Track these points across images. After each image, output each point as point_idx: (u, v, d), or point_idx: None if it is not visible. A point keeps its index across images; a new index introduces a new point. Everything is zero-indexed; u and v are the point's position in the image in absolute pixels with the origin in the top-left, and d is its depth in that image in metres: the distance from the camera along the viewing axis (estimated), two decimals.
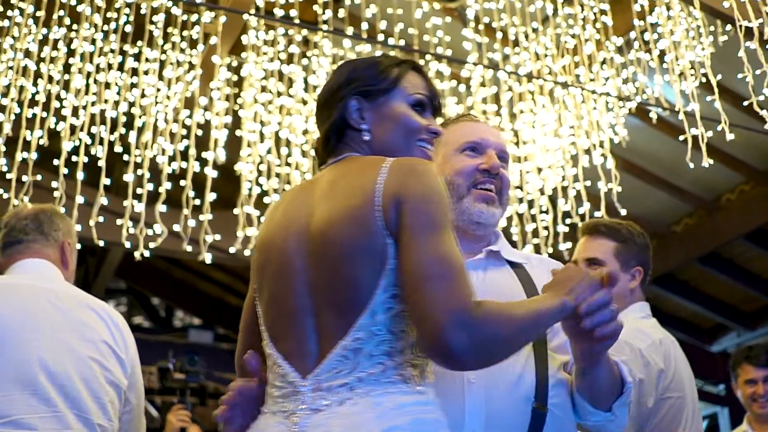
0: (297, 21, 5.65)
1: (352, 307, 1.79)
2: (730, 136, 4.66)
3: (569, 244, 5.70)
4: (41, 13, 5.17)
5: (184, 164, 5.37)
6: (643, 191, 8.29)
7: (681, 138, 4.91)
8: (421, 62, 6.07)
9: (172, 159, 5.39)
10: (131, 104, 5.49)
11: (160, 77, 5.55)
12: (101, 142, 5.16)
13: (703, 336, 10.33)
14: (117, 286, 11.46)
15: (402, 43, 6.09)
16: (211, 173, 5.26)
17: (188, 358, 4.80)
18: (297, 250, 1.89)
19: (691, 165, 4.80)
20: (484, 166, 2.36)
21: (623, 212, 5.52)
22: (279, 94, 5.92)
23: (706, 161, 4.64)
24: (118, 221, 5.01)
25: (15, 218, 3.10)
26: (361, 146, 2.02)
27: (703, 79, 5.28)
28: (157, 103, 5.49)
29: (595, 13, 5.73)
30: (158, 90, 5.52)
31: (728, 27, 5.56)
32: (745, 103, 4.70)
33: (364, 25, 5.92)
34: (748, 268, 9.20)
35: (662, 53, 5.59)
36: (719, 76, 4.85)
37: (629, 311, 3.45)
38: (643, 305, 3.52)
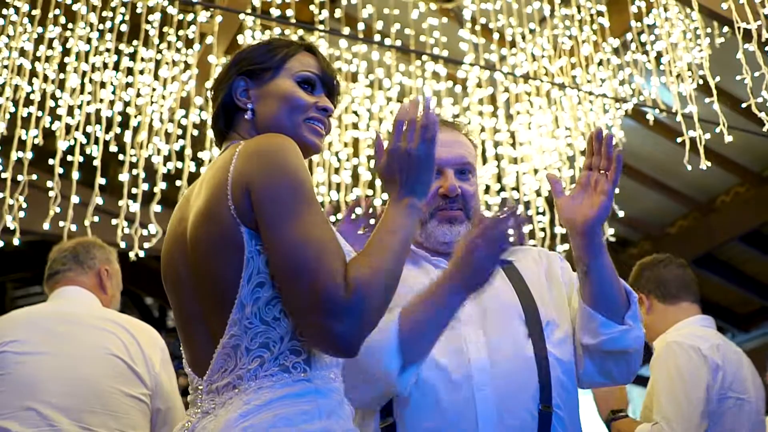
0: (293, 21, 5.63)
1: (224, 304, 1.75)
2: (728, 139, 4.64)
3: (566, 246, 5.68)
4: (36, 12, 5.15)
5: (179, 164, 5.35)
6: (637, 192, 8.30)
7: (679, 140, 4.89)
8: (418, 63, 6.07)
9: (167, 159, 5.37)
10: (126, 104, 5.45)
11: (156, 77, 5.52)
12: (96, 142, 5.14)
13: None
14: None
15: (398, 43, 6.07)
16: None
17: (178, 342, 4.47)
18: (180, 258, 1.88)
19: (689, 167, 4.78)
20: (443, 191, 2.35)
21: (621, 214, 5.52)
22: None
23: (704, 164, 4.63)
24: (113, 221, 4.98)
25: (57, 252, 3.43)
26: (248, 130, 1.97)
27: (700, 81, 5.28)
28: (152, 102, 5.47)
29: (591, 15, 5.72)
30: (154, 89, 5.49)
31: (725, 29, 5.55)
32: (743, 105, 4.68)
33: (361, 26, 5.89)
34: (742, 270, 9.21)
35: (659, 55, 5.59)
36: (717, 78, 4.83)
37: (690, 322, 3.58)
38: (704, 318, 3.66)
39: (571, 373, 2.30)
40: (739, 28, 4.42)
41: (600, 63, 5.84)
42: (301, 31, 5.97)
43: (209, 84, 5.64)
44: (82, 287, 3.33)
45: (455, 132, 2.46)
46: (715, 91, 4.73)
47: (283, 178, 1.74)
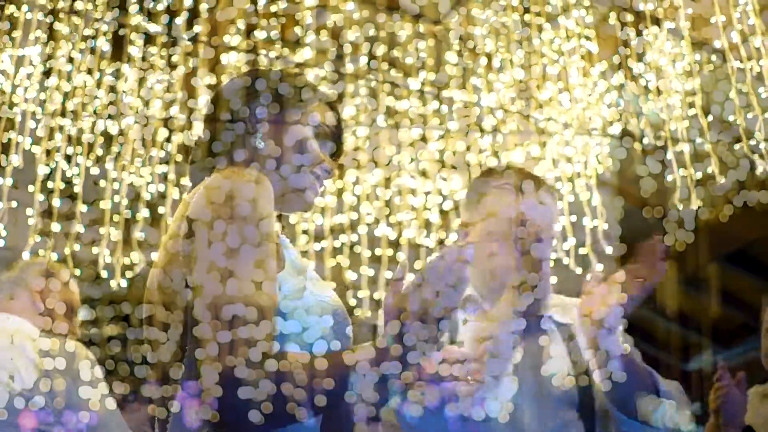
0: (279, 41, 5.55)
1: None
2: (721, 180, 4.61)
3: (555, 279, 5.63)
4: (17, 33, 5.04)
5: (161, 187, 5.27)
6: (621, 208, 8.26)
7: (669, 178, 4.84)
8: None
9: (150, 184, 5.28)
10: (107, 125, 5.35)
11: (139, 96, 5.43)
12: (77, 165, 5.04)
13: (679, 354, 10.32)
14: None
15: (384, 65, 6.01)
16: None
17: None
18: None
19: (680, 207, 4.73)
20: None
21: (608, 251, 5.48)
22: None
23: (696, 204, 4.58)
24: (95, 250, 4.89)
25: None
26: (246, 159, 1.83)
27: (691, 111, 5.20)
28: (135, 123, 5.37)
29: (581, 45, 5.65)
30: (137, 111, 5.39)
31: (714, 57, 5.50)
32: (737, 147, 4.61)
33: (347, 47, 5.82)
34: (725, 288, 9.21)
35: (647, 82, 5.53)
36: (710, 118, 4.78)
37: None
38: None
39: None
40: (732, 67, 4.36)
41: (586, 86, 5.78)
42: (287, 50, 5.89)
43: (192, 103, 5.55)
44: (7, 312, 3.11)
45: None
46: (707, 128, 4.67)
47: (229, 211, 1.56)
